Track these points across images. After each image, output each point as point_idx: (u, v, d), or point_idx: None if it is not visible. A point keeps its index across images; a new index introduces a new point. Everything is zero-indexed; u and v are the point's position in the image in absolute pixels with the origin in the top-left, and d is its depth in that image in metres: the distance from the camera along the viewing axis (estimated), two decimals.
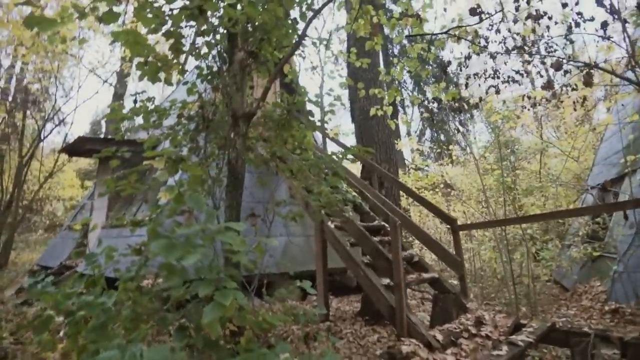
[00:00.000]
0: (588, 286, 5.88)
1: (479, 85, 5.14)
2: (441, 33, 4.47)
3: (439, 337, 3.09)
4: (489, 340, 3.27)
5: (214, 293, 1.27)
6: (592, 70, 5.13)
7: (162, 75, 2.79)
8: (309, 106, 3.21)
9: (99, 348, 1.56)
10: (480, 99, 5.10)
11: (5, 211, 8.78)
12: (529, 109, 6.96)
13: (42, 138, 9.93)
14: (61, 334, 4.32)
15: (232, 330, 2.20)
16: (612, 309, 4.81)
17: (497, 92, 5.45)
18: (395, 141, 8.45)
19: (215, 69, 3.04)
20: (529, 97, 6.22)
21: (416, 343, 2.87)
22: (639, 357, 2.76)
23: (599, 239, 6.40)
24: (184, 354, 1.35)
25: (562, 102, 7.01)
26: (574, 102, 6.72)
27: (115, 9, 2.01)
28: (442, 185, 11.52)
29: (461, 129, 16.44)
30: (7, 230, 8.46)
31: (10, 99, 11.39)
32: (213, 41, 2.53)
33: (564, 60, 4.71)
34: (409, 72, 4.90)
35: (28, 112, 10.57)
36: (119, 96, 16.80)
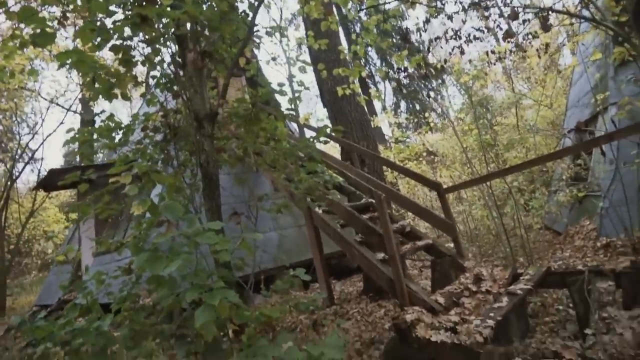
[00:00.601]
0: (579, 227, 6.06)
1: (442, 48, 5.15)
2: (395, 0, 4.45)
3: (441, 300, 3.15)
4: (490, 295, 3.36)
5: (202, 296, 1.26)
6: (548, 15, 5.18)
7: (118, 91, 2.73)
8: (278, 97, 3.18)
9: None
10: (445, 61, 5.12)
11: None
12: (495, 64, 7.03)
13: (14, 178, 9.63)
14: None
15: (234, 329, 2.21)
16: (604, 244, 4.98)
17: (462, 52, 5.48)
18: (372, 117, 8.45)
19: (171, 75, 2.98)
20: (494, 52, 6.28)
21: (419, 310, 2.92)
22: (632, 285, 2.86)
23: (582, 179, 6.57)
24: None
25: (526, 51, 7.08)
26: (537, 50, 6.81)
27: (49, 30, 1.93)
28: (425, 154, 11.63)
29: (434, 95, 16.55)
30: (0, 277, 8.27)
31: None
32: (162, 48, 2.46)
33: (520, 9, 4.75)
34: (370, 46, 4.88)
35: None
36: (86, 122, 16.34)
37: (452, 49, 5.43)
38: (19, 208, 11.25)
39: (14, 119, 10.75)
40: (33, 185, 13.39)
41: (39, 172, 13.10)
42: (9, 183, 9.77)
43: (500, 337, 2.64)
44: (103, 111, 2.92)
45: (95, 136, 3.02)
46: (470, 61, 7.44)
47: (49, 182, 6.57)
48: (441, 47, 5.11)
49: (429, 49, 4.91)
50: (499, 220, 5.99)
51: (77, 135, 2.64)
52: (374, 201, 4.84)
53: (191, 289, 1.31)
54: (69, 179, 2.56)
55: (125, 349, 1.85)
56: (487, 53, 6.29)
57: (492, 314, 2.75)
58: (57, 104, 12.33)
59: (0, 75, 6.39)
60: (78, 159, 18.64)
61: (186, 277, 1.47)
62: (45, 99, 12.10)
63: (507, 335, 2.80)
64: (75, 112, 16.00)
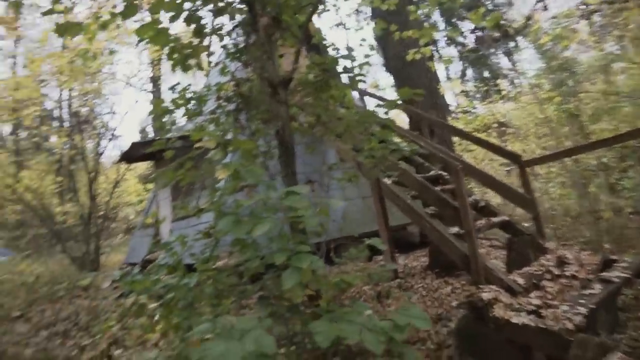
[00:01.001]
0: None
1: (520, 6, 4.57)
2: None
3: (520, 280, 2.93)
4: (576, 280, 3.04)
5: (289, 260, 1.26)
6: None
7: (192, 62, 2.80)
8: (342, 64, 3.06)
9: (191, 324, 1.65)
10: (528, 18, 4.54)
11: (89, 223, 9.73)
12: (584, 19, 6.11)
13: (100, 153, 10.71)
14: (157, 317, 4.79)
15: (309, 295, 2.24)
16: None
17: (545, 8, 4.83)
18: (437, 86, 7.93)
19: (241, 45, 2.99)
20: (586, 5, 5.45)
21: (496, 289, 2.74)
22: None
23: None
24: (270, 321, 1.38)
25: (627, 0, 6.05)
26: None
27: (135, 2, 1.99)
28: (495, 125, 10.76)
29: (507, 59, 15.05)
30: (95, 238, 9.39)
31: (66, 124, 12.37)
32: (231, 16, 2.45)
33: None
34: (440, 4, 4.45)
35: (84, 133, 11.42)
36: (157, 100, 17.51)
37: (535, 4, 4.80)
38: (106, 180, 12.57)
39: (96, 100, 11.84)
40: (117, 158, 14.90)
41: (119, 148, 14.43)
42: (97, 158, 10.90)
43: (587, 327, 2.39)
44: (178, 83, 3.03)
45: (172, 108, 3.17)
46: (553, 17, 6.56)
47: (131, 154, 7.19)
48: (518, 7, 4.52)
49: (510, 2, 4.37)
50: (584, 200, 5.38)
51: (159, 106, 2.77)
52: (443, 173, 4.59)
53: (280, 252, 1.31)
54: (156, 146, 2.72)
55: (209, 306, 1.96)
56: (578, 6, 5.48)
57: (582, 301, 2.48)
58: (131, 85, 13.34)
59: (85, 58, 6.98)
60: (151, 135, 20.16)
61: (272, 240, 1.48)
62: (121, 80, 13.15)
63: (593, 327, 2.53)
64: (146, 90, 17.25)
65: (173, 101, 2.84)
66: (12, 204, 14.10)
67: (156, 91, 17.84)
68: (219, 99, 2.91)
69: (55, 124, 15.98)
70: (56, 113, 16.05)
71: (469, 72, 17.18)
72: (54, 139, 12.46)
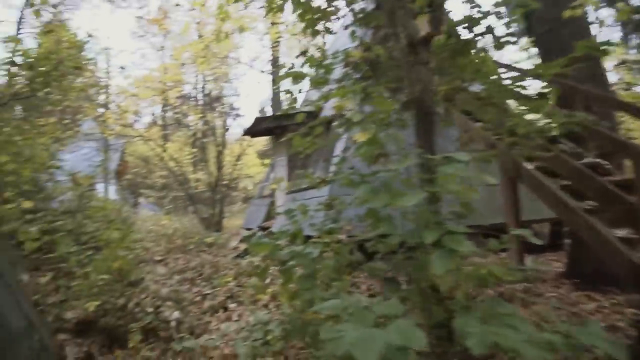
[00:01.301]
0: None
1: None
2: None
3: None
4: None
5: (438, 241, 1.02)
6: None
7: (321, 26, 2.69)
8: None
9: (313, 297, 1.57)
10: None
11: (215, 189, 10.96)
12: None
13: (226, 129, 11.86)
14: (268, 280, 5.09)
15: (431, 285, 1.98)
16: None
17: None
18: None
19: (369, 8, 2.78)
20: None
21: None
22: None
23: None
24: (404, 309, 1.18)
25: None
26: None
27: None
28: None
29: None
30: (219, 203, 10.57)
31: (200, 103, 14.05)
32: None
33: None
34: None
35: (214, 112, 12.78)
36: (275, 81, 18.53)
37: None
38: (230, 153, 14.00)
39: (224, 82, 13.09)
40: (241, 133, 16.52)
41: (240, 125, 15.76)
42: (224, 133, 12.13)
43: None
44: (306, 51, 2.97)
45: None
46: None
47: (254, 129, 7.73)
48: None
49: None
50: None
51: (290, 73, 2.75)
52: (601, 161, 3.71)
53: (431, 229, 1.09)
54: (299, 118, 2.74)
55: (328, 279, 1.85)
56: None
57: None
58: (252, 67, 14.39)
59: (218, 38, 7.58)
60: (271, 112, 21.61)
61: (406, 215, 1.26)
62: (245, 64, 14.28)
63: None
64: (265, 72, 18.46)
65: (309, 59, 2.76)
66: (159, 169, 16.89)
67: (275, 72, 18.92)
68: (347, 65, 2.75)
69: (192, 103, 18.41)
70: (193, 94, 18.53)
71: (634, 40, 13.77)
72: (191, 117, 14.34)
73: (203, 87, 15.27)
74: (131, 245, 2.92)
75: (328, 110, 7.84)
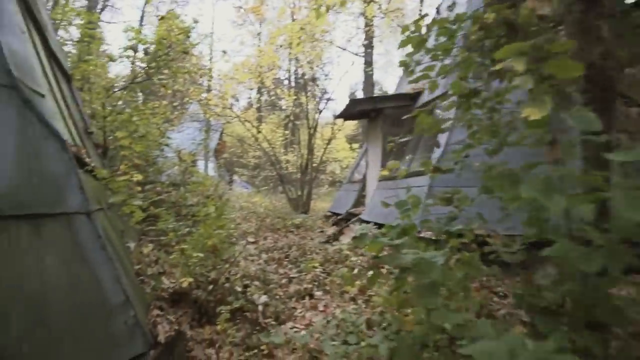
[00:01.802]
0: None
1: None
2: None
3: None
4: None
5: None
6: None
7: None
8: None
9: (441, 315, 1.21)
10: None
11: (305, 171, 11.05)
12: None
13: (319, 111, 11.78)
14: (355, 271, 4.83)
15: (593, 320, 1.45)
16: None
17: None
18: None
19: None
20: None
21: None
22: None
23: None
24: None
25: None
26: None
27: None
28: None
29: None
30: (308, 185, 10.64)
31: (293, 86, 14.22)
32: None
33: None
34: None
35: (307, 93, 12.80)
36: (368, 64, 17.89)
37: None
38: (320, 136, 14.02)
39: (316, 66, 12.98)
40: (327, 122, 16.52)
41: (331, 110, 15.61)
42: (316, 117, 12.09)
43: None
44: (426, 14, 2.49)
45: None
46: None
47: (348, 111, 7.44)
48: None
49: None
50: None
51: (411, 39, 2.34)
52: None
53: None
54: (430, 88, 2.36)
55: (449, 292, 1.45)
56: None
57: None
58: (345, 49, 13.97)
59: (317, 13, 7.31)
60: (362, 95, 21.14)
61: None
62: (337, 47, 13.95)
63: None
64: (357, 54, 17.92)
65: (436, 22, 2.32)
66: (253, 150, 17.82)
67: (367, 55, 18.31)
68: (481, 29, 2.23)
69: (286, 86, 18.87)
70: (287, 77, 18.98)
71: None
72: (284, 100, 14.69)
73: (296, 71, 15.47)
74: (225, 224, 2.85)
75: (427, 94, 7.13)
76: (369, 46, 17.20)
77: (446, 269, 1.30)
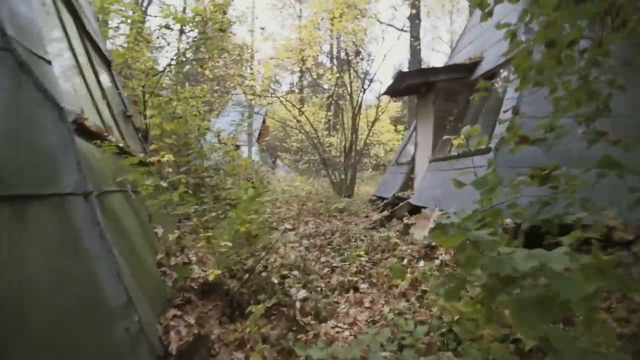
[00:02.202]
0: None
1: None
2: None
3: None
4: None
5: None
6: None
7: None
8: None
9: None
10: None
11: (349, 153, 10.57)
12: None
13: (364, 89, 11.14)
14: (404, 261, 4.35)
15: None
16: None
17: None
18: None
19: None
20: None
21: None
22: None
23: None
24: None
25: None
26: None
27: None
28: None
29: None
30: (352, 169, 10.17)
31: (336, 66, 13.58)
32: None
33: None
34: None
35: (350, 71, 12.15)
36: (415, 38, 16.72)
37: None
38: (364, 117, 13.38)
39: (360, 43, 12.23)
40: (370, 104, 15.73)
41: (375, 91, 14.75)
42: (360, 96, 11.46)
43: None
44: None
45: None
46: None
47: (396, 86, 6.80)
48: None
49: None
50: None
51: None
52: None
53: None
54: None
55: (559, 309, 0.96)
56: None
57: None
58: (390, 24, 13.00)
59: None
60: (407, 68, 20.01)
61: None
62: (382, 22, 12.99)
63: None
64: (404, 30, 16.78)
65: None
66: (296, 133, 17.57)
67: (414, 30, 17.13)
68: None
69: (328, 65, 18.22)
70: (329, 56, 18.29)
71: None
72: (326, 80, 14.15)
73: (339, 50, 14.76)
74: (261, 209, 2.51)
75: (487, 63, 6.29)
76: (415, 17, 16.05)
77: (571, 279, 0.82)
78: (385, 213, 6.66)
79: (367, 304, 3.13)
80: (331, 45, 14.40)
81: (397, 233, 5.08)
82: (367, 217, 6.93)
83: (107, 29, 6.36)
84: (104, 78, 5.01)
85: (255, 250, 2.68)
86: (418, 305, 2.96)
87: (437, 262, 4.03)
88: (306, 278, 3.52)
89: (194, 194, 4.68)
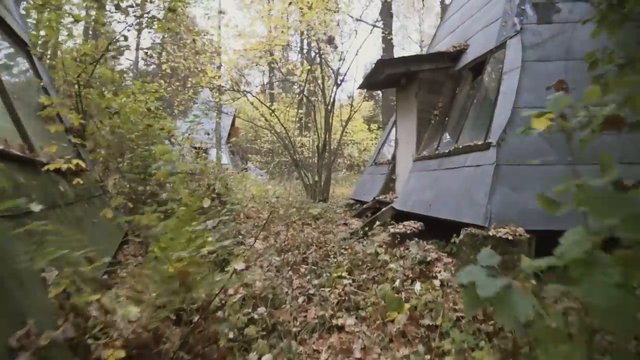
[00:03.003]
0: None
1: None
2: None
3: None
4: None
5: None
6: None
7: None
8: None
9: None
10: None
11: (322, 154, 9.80)
12: None
13: (337, 84, 10.41)
14: (396, 283, 3.63)
15: None
16: None
17: None
18: None
19: None
20: None
21: None
22: None
23: None
24: None
25: None
26: None
27: None
28: None
29: None
30: (326, 170, 9.41)
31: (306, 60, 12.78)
32: None
33: None
34: None
35: (323, 65, 11.40)
36: (388, 32, 16.25)
37: None
38: (337, 116, 12.69)
39: (330, 35, 11.52)
40: (342, 104, 15.00)
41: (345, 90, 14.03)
42: (333, 91, 10.72)
43: None
44: None
45: None
46: None
47: (374, 77, 6.11)
48: None
49: None
50: None
51: None
52: None
53: None
54: None
55: None
56: None
57: None
58: (361, 20, 12.33)
59: None
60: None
61: None
62: (352, 17, 12.31)
63: None
64: (376, 26, 16.24)
65: None
66: (265, 134, 16.64)
67: (386, 26, 16.66)
68: None
69: (299, 59, 17.35)
70: (298, 50, 17.41)
71: None
72: (297, 75, 13.33)
73: (309, 42, 13.92)
74: (201, 238, 1.68)
75: (473, 51, 5.72)
76: (387, 12, 15.53)
77: None
78: (366, 219, 5.95)
79: (357, 353, 2.36)
80: (302, 39, 13.55)
81: (384, 245, 4.37)
82: (345, 224, 6.19)
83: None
84: (19, 66, 4.01)
85: (196, 298, 1.85)
86: (425, 352, 2.23)
87: (436, 282, 3.36)
88: (275, 318, 2.71)
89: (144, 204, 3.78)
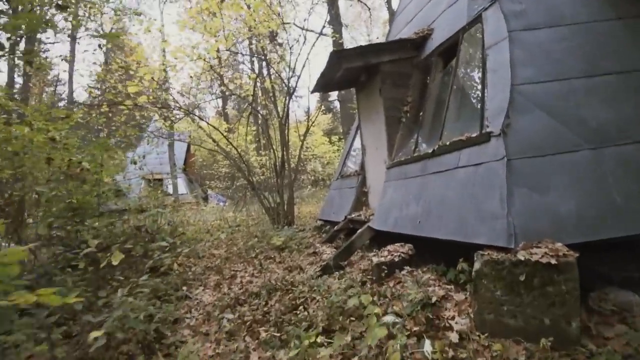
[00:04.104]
0: None
1: None
2: None
3: None
4: None
5: None
6: None
7: None
8: None
9: None
10: None
11: (281, 172, 8.73)
12: None
13: (290, 93, 9.46)
14: (396, 341, 2.66)
15: None
16: None
17: None
18: None
19: None
20: None
21: None
22: None
23: None
24: None
25: None
26: None
27: None
28: None
29: None
30: (288, 189, 8.34)
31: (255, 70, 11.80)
32: None
33: None
34: None
35: (272, 72, 10.45)
36: (339, 36, 15.66)
37: None
38: (294, 132, 11.78)
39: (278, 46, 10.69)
40: (298, 119, 14.05)
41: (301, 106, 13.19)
42: (285, 102, 9.75)
43: None
44: None
45: None
46: None
47: (329, 76, 5.19)
48: None
49: None
50: None
51: None
52: None
53: None
54: None
55: None
56: None
57: None
58: (307, 29, 11.60)
59: None
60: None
61: None
62: (299, 27, 11.56)
63: None
64: (324, 34, 15.64)
65: None
66: (222, 158, 15.33)
67: (336, 28, 16.09)
68: None
69: (247, 72, 16.23)
70: (247, 63, 16.31)
71: None
72: (247, 89, 12.30)
73: (256, 51, 12.89)
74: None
75: (439, 35, 4.99)
76: (336, 20, 14.96)
77: None
78: (340, 244, 4.93)
79: None
80: (250, 48, 12.44)
81: (368, 282, 3.36)
82: (315, 253, 5.11)
83: None
84: None
85: None
86: None
87: (452, 335, 2.36)
88: None
89: None
